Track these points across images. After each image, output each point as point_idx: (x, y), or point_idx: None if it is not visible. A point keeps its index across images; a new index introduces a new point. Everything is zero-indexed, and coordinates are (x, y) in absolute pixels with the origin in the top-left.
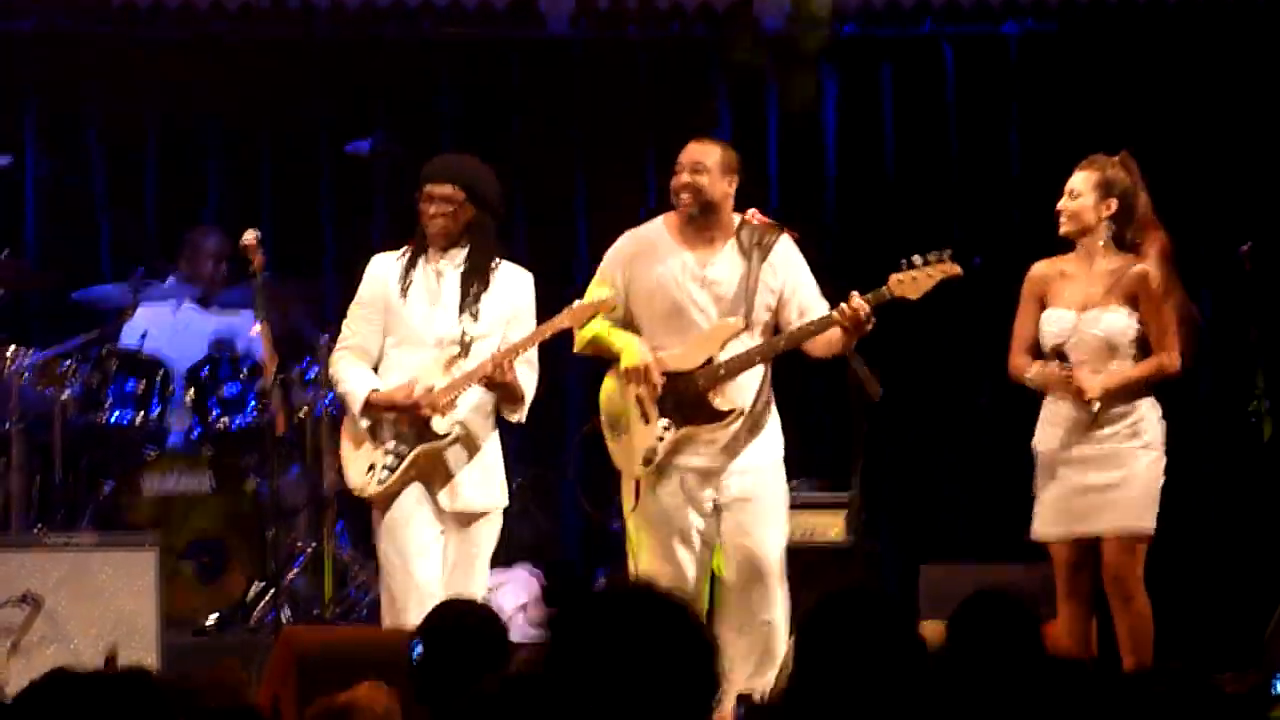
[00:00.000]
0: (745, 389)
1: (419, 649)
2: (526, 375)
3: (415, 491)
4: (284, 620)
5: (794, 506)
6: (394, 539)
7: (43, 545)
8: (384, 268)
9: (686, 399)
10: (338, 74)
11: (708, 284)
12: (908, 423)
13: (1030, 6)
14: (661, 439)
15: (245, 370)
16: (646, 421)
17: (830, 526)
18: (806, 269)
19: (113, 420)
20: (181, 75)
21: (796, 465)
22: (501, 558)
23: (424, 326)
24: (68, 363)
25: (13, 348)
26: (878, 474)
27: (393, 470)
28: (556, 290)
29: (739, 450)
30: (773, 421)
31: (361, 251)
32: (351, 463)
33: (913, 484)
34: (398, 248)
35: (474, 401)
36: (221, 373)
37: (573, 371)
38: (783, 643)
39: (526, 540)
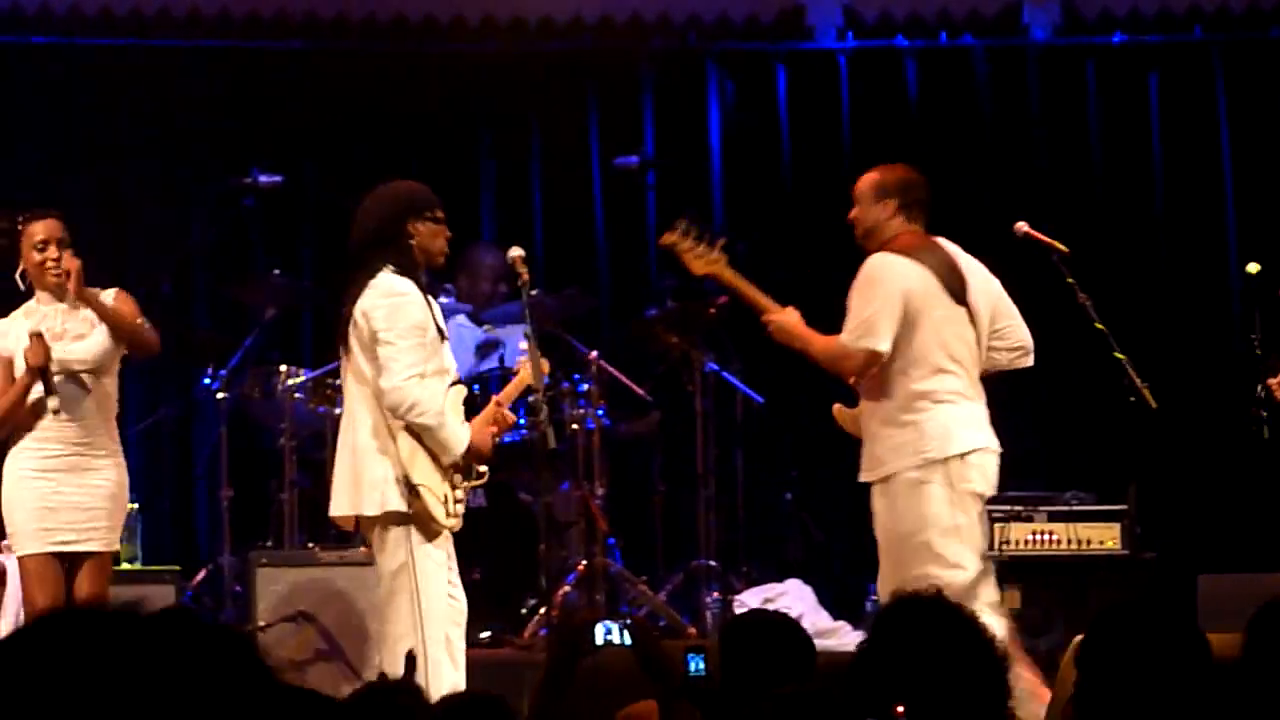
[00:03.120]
0: None
1: (697, 662)
2: None
3: None
4: None
5: (1069, 518)
6: (440, 570)
7: (316, 562)
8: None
9: None
10: (608, 88)
11: None
12: (1183, 432)
13: None
14: None
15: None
16: None
17: (1105, 537)
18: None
19: None
20: (452, 91)
21: (1071, 476)
22: (775, 573)
23: (448, 361)
24: (339, 380)
25: (285, 367)
26: (1153, 484)
27: (463, 504)
28: (825, 304)
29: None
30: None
31: (633, 265)
32: (429, 494)
33: (1189, 494)
34: (672, 264)
35: None
36: (492, 388)
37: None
38: None
39: (799, 555)
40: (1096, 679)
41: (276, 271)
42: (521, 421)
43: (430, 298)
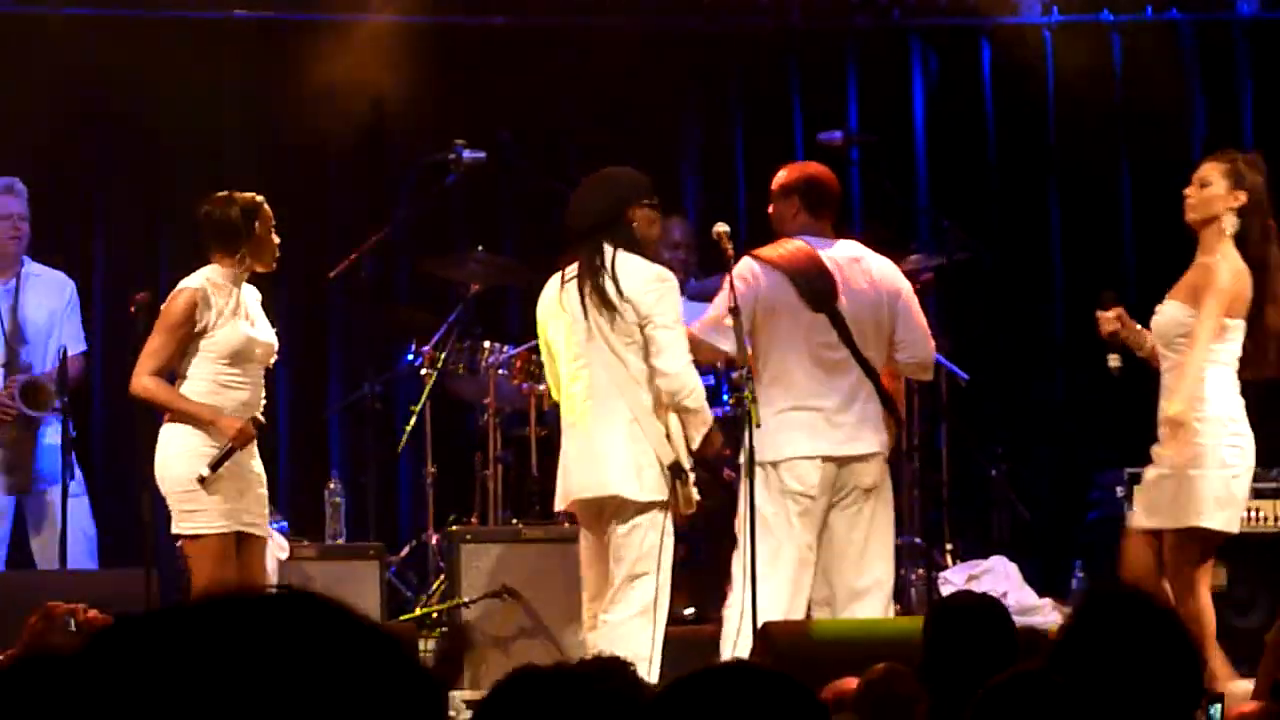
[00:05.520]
0: None
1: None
2: None
3: None
4: None
5: (1276, 495)
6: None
7: (520, 539)
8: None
9: None
10: (811, 63)
11: None
12: None
13: None
14: None
15: (719, 362)
16: None
17: None
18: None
19: None
20: (655, 66)
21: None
22: (980, 549)
23: None
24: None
25: (488, 343)
26: None
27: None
28: (1100, 277)
29: None
30: None
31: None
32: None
33: None
34: (878, 235)
35: None
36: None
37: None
38: None
39: (1005, 532)
40: None
41: (480, 248)
42: (726, 398)
43: None
